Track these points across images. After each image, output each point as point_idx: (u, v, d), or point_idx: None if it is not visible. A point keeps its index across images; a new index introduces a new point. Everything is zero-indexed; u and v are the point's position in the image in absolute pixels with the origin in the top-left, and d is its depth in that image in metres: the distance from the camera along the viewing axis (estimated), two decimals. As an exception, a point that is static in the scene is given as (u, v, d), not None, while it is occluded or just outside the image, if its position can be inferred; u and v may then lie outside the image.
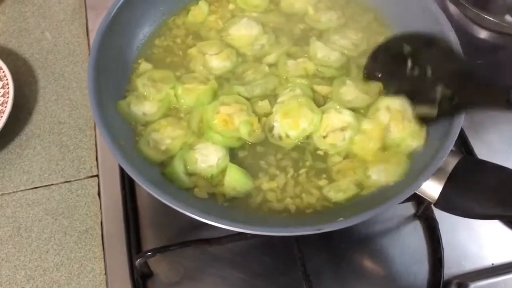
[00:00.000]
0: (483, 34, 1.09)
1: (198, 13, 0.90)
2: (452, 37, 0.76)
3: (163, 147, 0.77)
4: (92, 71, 0.75)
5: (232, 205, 0.74)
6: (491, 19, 1.05)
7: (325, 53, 0.84)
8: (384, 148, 0.76)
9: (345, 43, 0.85)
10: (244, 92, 0.81)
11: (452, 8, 1.12)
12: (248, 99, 0.81)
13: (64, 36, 1.07)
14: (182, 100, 0.81)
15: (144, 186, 0.66)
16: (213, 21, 0.90)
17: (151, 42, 0.88)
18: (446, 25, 0.78)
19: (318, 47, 0.84)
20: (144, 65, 0.85)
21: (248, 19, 0.88)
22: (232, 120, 0.77)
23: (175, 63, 0.87)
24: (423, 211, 0.85)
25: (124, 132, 0.78)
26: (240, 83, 0.83)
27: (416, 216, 0.86)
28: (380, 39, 0.83)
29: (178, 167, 0.74)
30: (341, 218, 0.66)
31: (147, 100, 0.81)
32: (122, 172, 0.88)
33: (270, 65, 0.85)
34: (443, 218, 0.82)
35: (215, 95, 0.81)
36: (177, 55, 0.88)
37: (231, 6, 0.91)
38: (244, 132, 0.75)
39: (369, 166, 0.75)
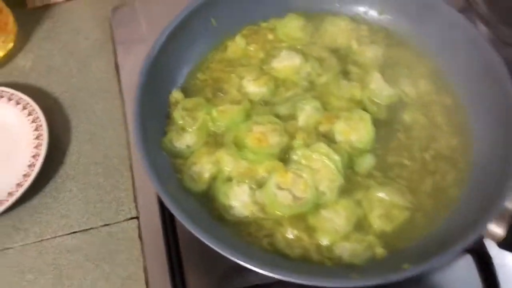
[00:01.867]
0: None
1: (236, 48, 0.89)
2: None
3: (206, 175, 0.76)
4: (137, 111, 0.74)
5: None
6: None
7: (379, 86, 0.81)
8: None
9: (409, 89, 0.83)
10: (276, 112, 0.81)
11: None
12: (280, 118, 0.80)
13: (93, 72, 1.05)
14: (218, 123, 0.80)
15: (195, 233, 0.65)
16: (254, 50, 0.89)
17: (192, 76, 0.87)
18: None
19: (376, 77, 0.82)
20: (176, 95, 0.83)
21: (287, 50, 0.87)
22: (266, 138, 0.76)
23: (209, 88, 0.86)
24: (474, 245, 0.82)
25: (165, 171, 0.76)
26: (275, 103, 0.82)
27: (466, 250, 0.83)
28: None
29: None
30: (407, 265, 0.63)
31: (186, 132, 0.80)
32: (163, 212, 0.85)
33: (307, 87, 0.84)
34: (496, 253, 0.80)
35: (248, 116, 0.80)
36: (212, 83, 0.87)
37: (270, 37, 0.90)
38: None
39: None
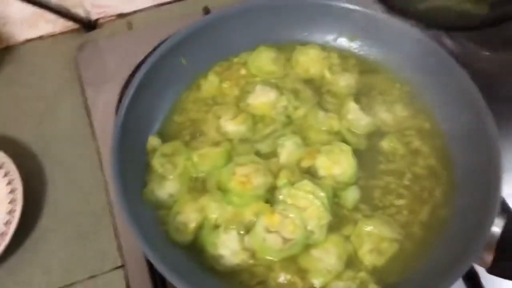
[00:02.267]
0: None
1: (210, 86, 0.88)
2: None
3: (192, 224, 0.74)
4: (116, 165, 0.73)
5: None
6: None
7: (356, 116, 0.82)
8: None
9: (385, 116, 0.83)
10: (257, 150, 0.80)
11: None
12: (262, 156, 0.79)
13: (63, 116, 1.02)
14: (199, 168, 0.79)
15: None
16: (228, 87, 0.88)
17: (168, 119, 0.86)
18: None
19: (352, 107, 0.82)
20: (153, 141, 0.82)
21: (262, 85, 0.86)
22: (249, 180, 0.75)
23: (186, 130, 0.85)
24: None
25: (149, 224, 0.75)
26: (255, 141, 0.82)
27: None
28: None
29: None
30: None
31: (167, 180, 0.78)
32: (149, 260, 0.84)
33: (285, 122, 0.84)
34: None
35: (229, 157, 0.79)
36: (190, 125, 0.85)
37: (243, 72, 0.89)
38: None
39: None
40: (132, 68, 1.02)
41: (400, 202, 0.76)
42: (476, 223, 0.69)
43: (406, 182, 0.79)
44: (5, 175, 0.90)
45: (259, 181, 0.75)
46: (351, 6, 0.88)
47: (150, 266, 0.83)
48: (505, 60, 1.02)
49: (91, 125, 1.00)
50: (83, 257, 0.87)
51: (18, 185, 0.89)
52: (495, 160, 0.71)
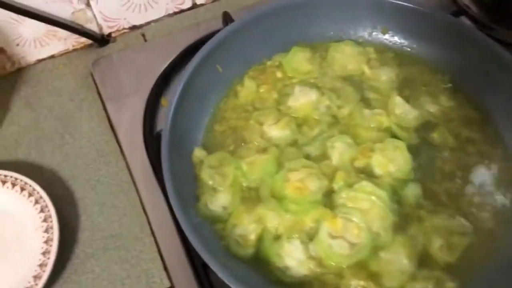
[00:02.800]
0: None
1: (247, 92, 0.84)
2: None
3: (252, 236, 0.71)
4: (170, 182, 0.69)
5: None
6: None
7: (404, 110, 0.79)
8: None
9: (432, 107, 0.81)
10: (306, 153, 0.78)
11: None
12: (312, 159, 0.77)
13: (87, 136, 0.97)
14: (250, 176, 0.75)
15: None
16: (265, 91, 0.84)
17: (210, 129, 0.82)
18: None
19: (398, 101, 0.80)
20: (198, 153, 0.78)
21: (300, 85, 0.83)
22: (305, 185, 0.72)
23: (229, 139, 0.82)
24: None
25: (209, 239, 0.71)
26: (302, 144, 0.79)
27: None
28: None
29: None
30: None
31: (218, 192, 0.75)
32: (198, 276, 0.79)
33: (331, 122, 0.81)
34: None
35: (279, 163, 0.76)
36: (232, 134, 0.82)
37: (278, 74, 0.86)
38: None
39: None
40: (150, 80, 0.98)
41: (464, 195, 0.73)
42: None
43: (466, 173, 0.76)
44: (36, 202, 0.85)
45: (315, 185, 0.72)
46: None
47: (200, 284, 0.79)
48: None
49: (118, 142, 0.96)
50: (128, 282, 0.82)
51: (52, 212, 0.84)
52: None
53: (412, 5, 0.84)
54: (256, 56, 0.87)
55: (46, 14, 0.96)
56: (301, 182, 0.71)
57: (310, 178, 0.72)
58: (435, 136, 0.79)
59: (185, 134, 0.78)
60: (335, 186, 0.72)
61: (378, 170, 0.74)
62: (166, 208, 0.81)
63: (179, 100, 0.75)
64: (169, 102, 0.75)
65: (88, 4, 1.01)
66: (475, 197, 0.74)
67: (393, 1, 0.85)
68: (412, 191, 0.73)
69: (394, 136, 0.78)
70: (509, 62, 0.77)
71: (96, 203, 0.90)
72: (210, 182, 0.74)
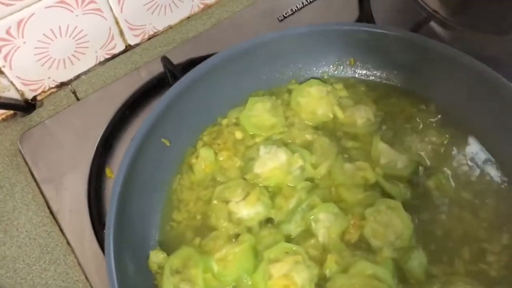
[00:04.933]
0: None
1: (204, 164, 0.70)
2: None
3: None
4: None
5: None
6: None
7: (390, 158, 0.67)
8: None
9: (421, 147, 0.69)
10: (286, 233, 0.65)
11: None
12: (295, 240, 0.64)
13: (24, 230, 0.82)
14: (223, 278, 0.62)
15: None
16: (226, 159, 0.71)
17: (167, 219, 0.69)
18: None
19: (381, 148, 0.68)
20: (155, 258, 0.64)
21: (265, 145, 0.70)
22: (292, 280, 0.60)
23: (191, 229, 0.68)
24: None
25: None
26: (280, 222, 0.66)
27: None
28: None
29: None
30: None
31: None
32: None
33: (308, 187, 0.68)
34: None
35: (256, 252, 0.63)
36: (194, 221, 0.68)
37: (238, 135, 0.72)
38: None
39: None
40: (90, 149, 0.85)
41: (476, 257, 0.62)
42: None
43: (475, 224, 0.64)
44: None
45: (304, 277, 0.60)
46: (345, 27, 0.73)
47: None
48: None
49: (62, 232, 0.81)
50: None
51: None
52: None
53: (377, 29, 0.73)
54: (208, 116, 0.73)
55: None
56: (287, 277, 0.59)
57: (296, 269, 0.60)
58: (431, 183, 0.67)
59: (137, 232, 0.64)
60: (328, 272, 0.60)
61: (375, 242, 0.62)
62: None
63: (121, 193, 0.61)
64: (111, 199, 0.60)
65: (0, 72, 0.85)
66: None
67: (356, 28, 0.72)
68: (418, 260, 0.62)
69: (384, 192, 0.65)
70: (480, 69, 0.67)
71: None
72: (177, 296, 0.60)
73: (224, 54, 0.70)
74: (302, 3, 0.96)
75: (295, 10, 0.96)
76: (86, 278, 0.77)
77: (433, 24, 0.88)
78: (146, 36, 0.98)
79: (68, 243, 0.80)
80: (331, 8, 0.95)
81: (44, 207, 0.84)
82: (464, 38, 0.86)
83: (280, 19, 0.94)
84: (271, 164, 0.68)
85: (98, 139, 0.85)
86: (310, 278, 0.60)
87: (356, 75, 0.77)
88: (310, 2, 0.96)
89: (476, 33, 0.83)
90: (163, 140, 0.69)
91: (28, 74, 0.89)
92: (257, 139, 0.72)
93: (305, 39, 0.73)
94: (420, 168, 0.69)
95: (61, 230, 0.82)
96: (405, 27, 0.82)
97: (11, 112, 0.93)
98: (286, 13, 0.95)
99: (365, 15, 0.91)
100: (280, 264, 0.60)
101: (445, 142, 0.70)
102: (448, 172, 0.68)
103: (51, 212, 0.83)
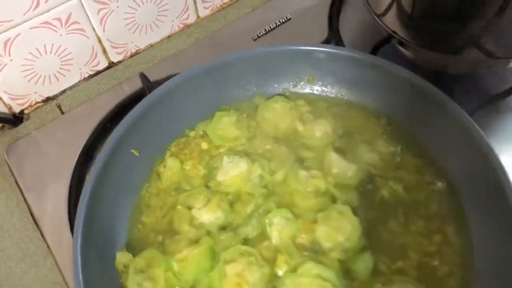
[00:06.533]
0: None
1: (171, 172, 0.76)
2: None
3: None
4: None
5: None
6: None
7: (341, 168, 0.72)
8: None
9: (371, 157, 0.74)
10: (243, 236, 0.70)
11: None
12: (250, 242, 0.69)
13: (8, 235, 0.87)
14: (183, 277, 0.67)
15: None
16: (191, 168, 0.76)
17: (135, 223, 0.74)
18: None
19: (333, 159, 0.73)
20: (121, 258, 0.69)
21: (228, 155, 0.76)
22: (245, 279, 0.65)
23: (156, 232, 0.73)
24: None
25: None
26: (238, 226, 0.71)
27: None
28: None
29: None
30: None
31: None
32: None
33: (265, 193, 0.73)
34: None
35: (213, 254, 0.68)
36: (159, 225, 0.73)
37: (204, 146, 0.78)
38: None
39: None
40: (72, 160, 0.90)
41: (420, 260, 0.67)
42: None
43: (422, 229, 0.69)
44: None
45: (256, 276, 0.65)
46: (302, 47, 0.79)
47: None
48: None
49: (43, 237, 0.86)
50: None
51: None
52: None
53: (330, 49, 0.78)
54: (177, 128, 0.79)
55: None
56: (240, 276, 0.64)
57: (249, 269, 0.64)
58: (382, 190, 0.72)
59: (106, 234, 0.69)
60: (278, 271, 0.65)
61: (326, 244, 0.67)
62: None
63: (91, 197, 0.66)
64: (80, 201, 0.66)
65: (-12, 87, 0.91)
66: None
67: (310, 47, 0.78)
68: (365, 261, 0.66)
69: (334, 199, 0.71)
70: (431, 92, 0.72)
71: (24, 312, 0.80)
72: (139, 292, 0.66)
73: (192, 72, 0.76)
74: (275, 23, 1.02)
75: (268, 30, 1.02)
76: (64, 280, 0.82)
77: (394, 43, 0.94)
78: (129, 54, 1.04)
79: (48, 247, 0.85)
80: (302, 28, 1.01)
81: (27, 213, 0.89)
82: (421, 57, 0.91)
83: (254, 38, 1.00)
84: (233, 172, 0.74)
85: (80, 150, 0.91)
86: (261, 277, 0.64)
87: (315, 92, 0.82)
88: (283, 22, 1.02)
89: (431, 52, 0.88)
90: (132, 150, 0.74)
91: (16, 89, 0.95)
92: (221, 150, 0.77)
93: (265, 59, 0.79)
94: (369, 176, 0.74)
95: (42, 235, 0.86)
96: (370, 45, 0.89)
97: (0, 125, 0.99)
98: (259, 33, 1.01)
99: (333, 35, 0.98)
100: (234, 264, 0.65)
101: (393, 152, 0.75)
102: (396, 180, 0.73)
103: (34, 219, 0.88)
